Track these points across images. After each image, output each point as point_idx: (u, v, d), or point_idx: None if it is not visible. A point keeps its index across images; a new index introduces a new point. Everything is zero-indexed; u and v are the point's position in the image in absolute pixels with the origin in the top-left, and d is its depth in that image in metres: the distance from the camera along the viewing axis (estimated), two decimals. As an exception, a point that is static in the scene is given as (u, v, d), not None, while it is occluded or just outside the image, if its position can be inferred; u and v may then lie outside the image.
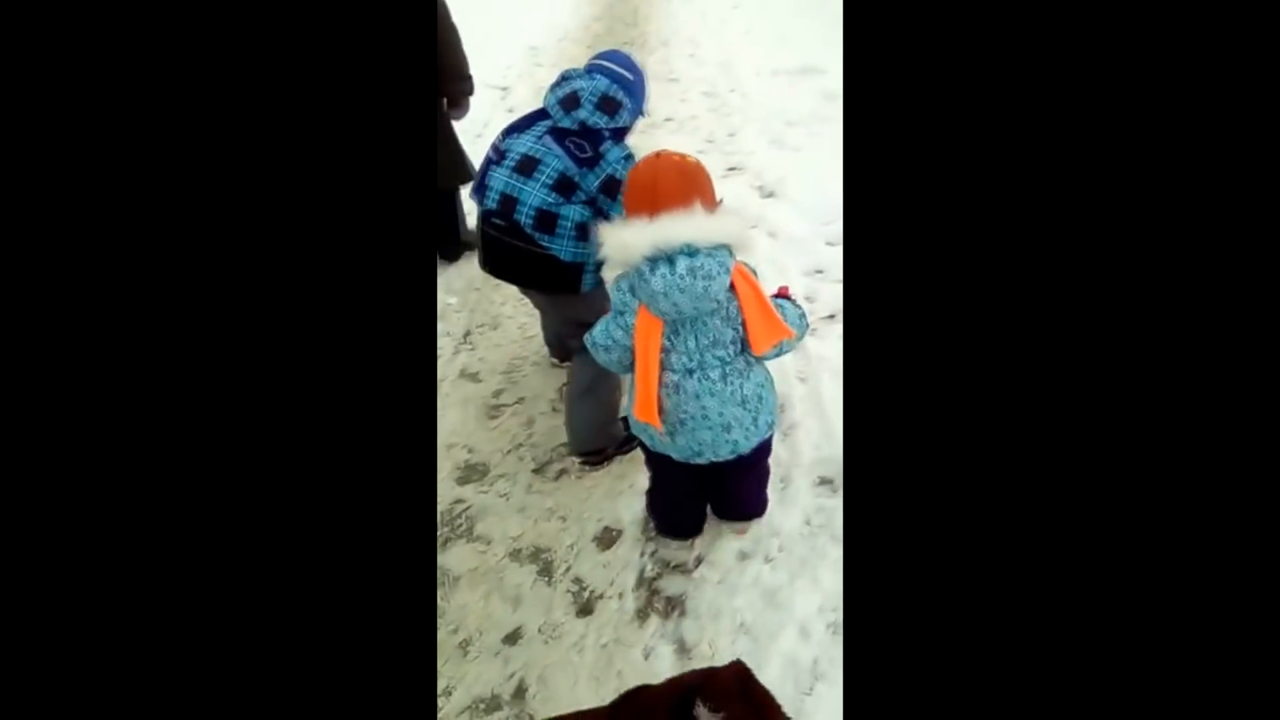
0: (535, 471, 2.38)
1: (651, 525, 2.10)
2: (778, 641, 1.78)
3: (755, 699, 0.60)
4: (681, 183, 1.53)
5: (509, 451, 2.46)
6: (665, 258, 1.47)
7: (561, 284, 2.01)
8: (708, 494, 1.96)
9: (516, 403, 2.68)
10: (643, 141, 4.71)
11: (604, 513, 2.20)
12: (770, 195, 3.96)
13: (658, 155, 1.61)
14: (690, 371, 1.57)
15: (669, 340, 1.57)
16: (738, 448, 1.66)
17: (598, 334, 1.69)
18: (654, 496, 2.02)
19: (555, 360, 2.79)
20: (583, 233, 1.95)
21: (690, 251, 1.46)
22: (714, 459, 1.66)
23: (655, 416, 1.58)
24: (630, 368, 1.66)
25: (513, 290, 3.25)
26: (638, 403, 1.59)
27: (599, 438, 2.32)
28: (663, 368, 1.58)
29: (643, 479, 2.15)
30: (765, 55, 6.01)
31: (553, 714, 0.71)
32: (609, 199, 1.93)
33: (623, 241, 1.50)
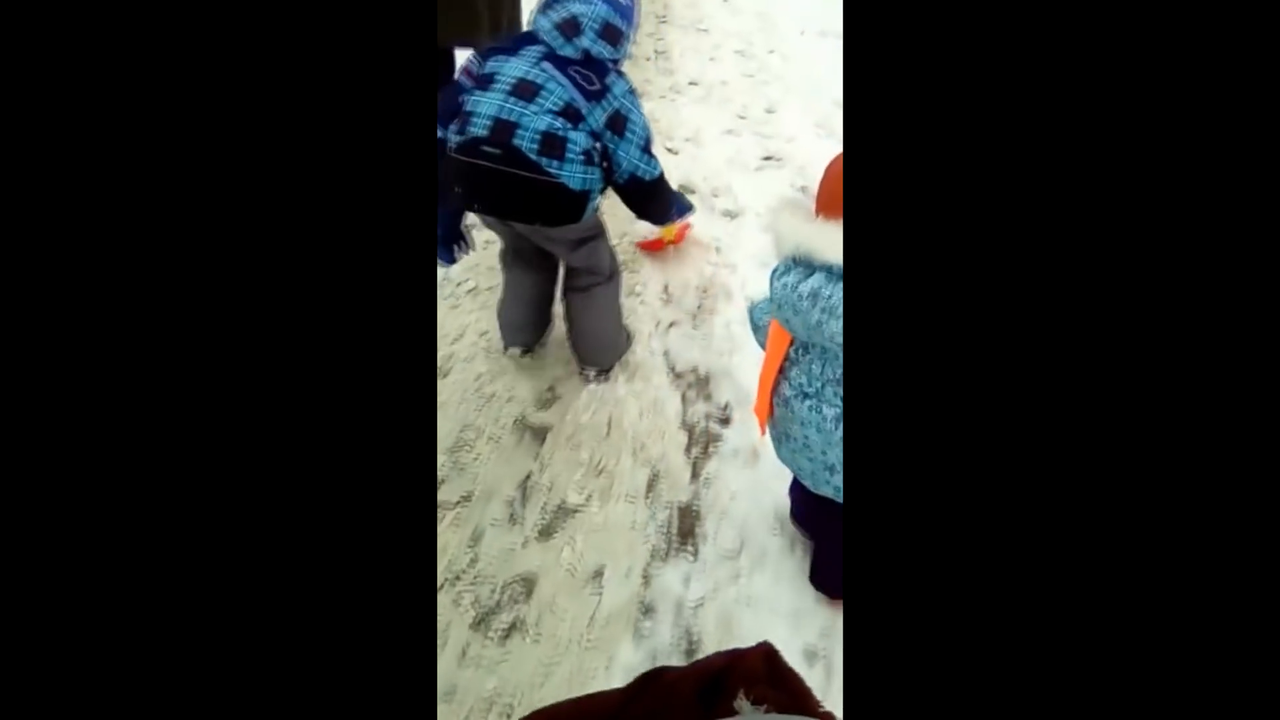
0: (476, 625, 1.66)
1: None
2: None
3: (787, 683, 0.56)
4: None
5: (441, 586, 1.74)
6: (797, 266, 1.33)
7: (567, 215, 1.88)
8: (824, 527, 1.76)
9: (460, 502, 1.93)
10: (662, 109, 3.85)
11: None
12: (816, 201, 3.15)
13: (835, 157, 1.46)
14: (805, 396, 1.45)
15: (795, 353, 1.47)
16: (837, 493, 1.51)
17: (759, 308, 1.63)
18: (795, 479, 1.80)
19: (518, 350, 2.38)
20: (590, 159, 1.82)
21: (826, 269, 1.29)
22: (814, 489, 1.55)
23: (763, 416, 1.56)
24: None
25: (471, 323, 2.48)
26: (757, 397, 1.58)
27: (612, 352, 2.29)
28: (783, 376, 1.49)
29: (626, 652, 1.62)
30: (813, 8, 5.09)
31: None
32: (616, 136, 1.85)
33: (780, 230, 1.36)
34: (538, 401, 2.26)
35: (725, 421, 2.19)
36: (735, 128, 3.72)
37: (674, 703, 0.54)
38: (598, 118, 1.81)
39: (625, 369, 2.35)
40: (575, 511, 1.95)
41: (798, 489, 1.82)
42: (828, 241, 1.27)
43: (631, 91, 1.87)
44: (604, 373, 2.30)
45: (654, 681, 0.58)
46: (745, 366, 2.32)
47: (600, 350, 2.27)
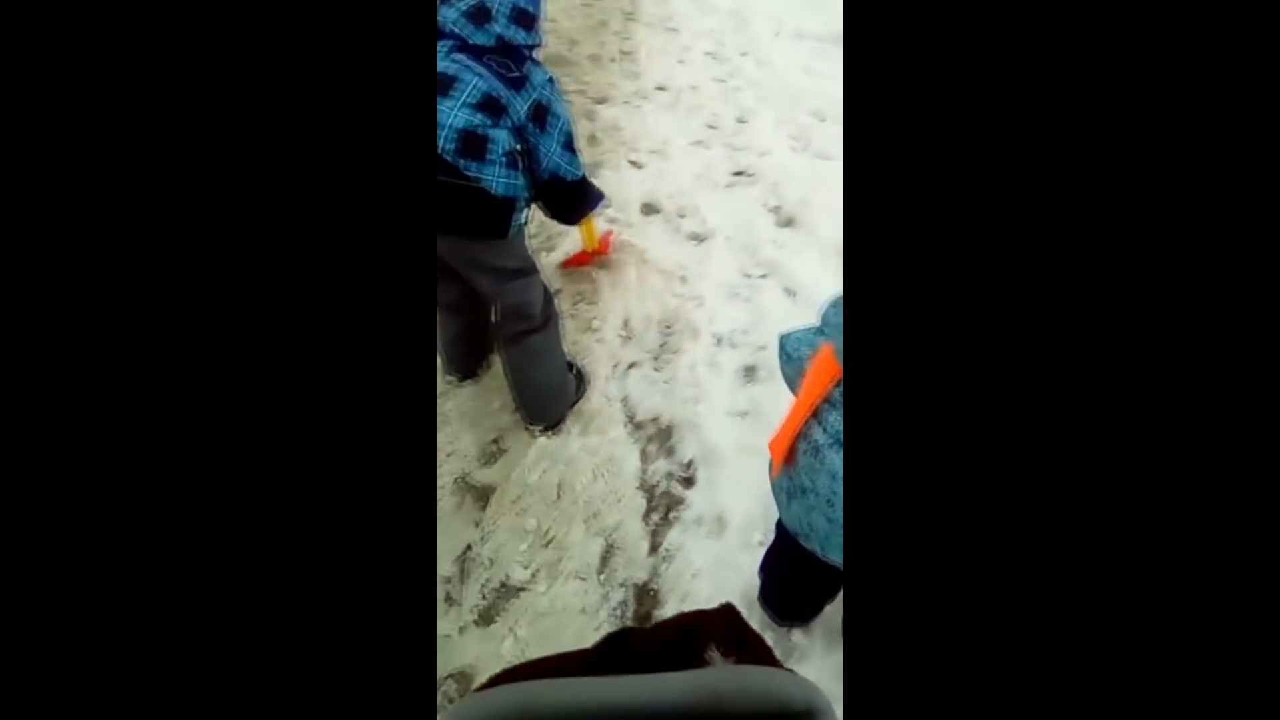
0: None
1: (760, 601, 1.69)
2: None
3: (750, 642, 0.57)
4: None
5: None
6: None
7: (490, 225, 1.69)
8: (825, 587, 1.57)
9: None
10: (627, 117, 3.62)
11: None
12: (788, 223, 2.94)
13: None
14: (838, 445, 1.23)
15: (841, 394, 1.22)
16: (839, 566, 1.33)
17: (794, 339, 1.37)
18: (771, 554, 1.62)
19: (455, 377, 2.23)
20: (513, 162, 1.67)
21: None
22: (820, 554, 1.31)
23: (779, 456, 1.31)
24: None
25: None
26: (777, 433, 1.32)
27: (559, 403, 2.09)
28: (817, 419, 1.25)
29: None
30: (789, 7, 4.87)
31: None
32: (538, 129, 1.70)
33: None
34: (481, 456, 2.03)
35: (688, 482, 1.98)
36: (705, 138, 3.50)
37: (642, 658, 0.53)
38: (519, 108, 1.64)
39: (579, 419, 2.13)
40: (520, 591, 1.73)
41: (773, 566, 1.62)
42: None
43: (551, 81, 1.71)
44: (552, 427, 2.08)
45: (620, 641, 0.58)
46: (712, 417, 2.11)
47: (543, 405, 2.05)
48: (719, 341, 2.37)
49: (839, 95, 3.66)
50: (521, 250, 1.85)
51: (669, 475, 2.00)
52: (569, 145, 1.76)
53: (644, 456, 2.05)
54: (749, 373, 2.28)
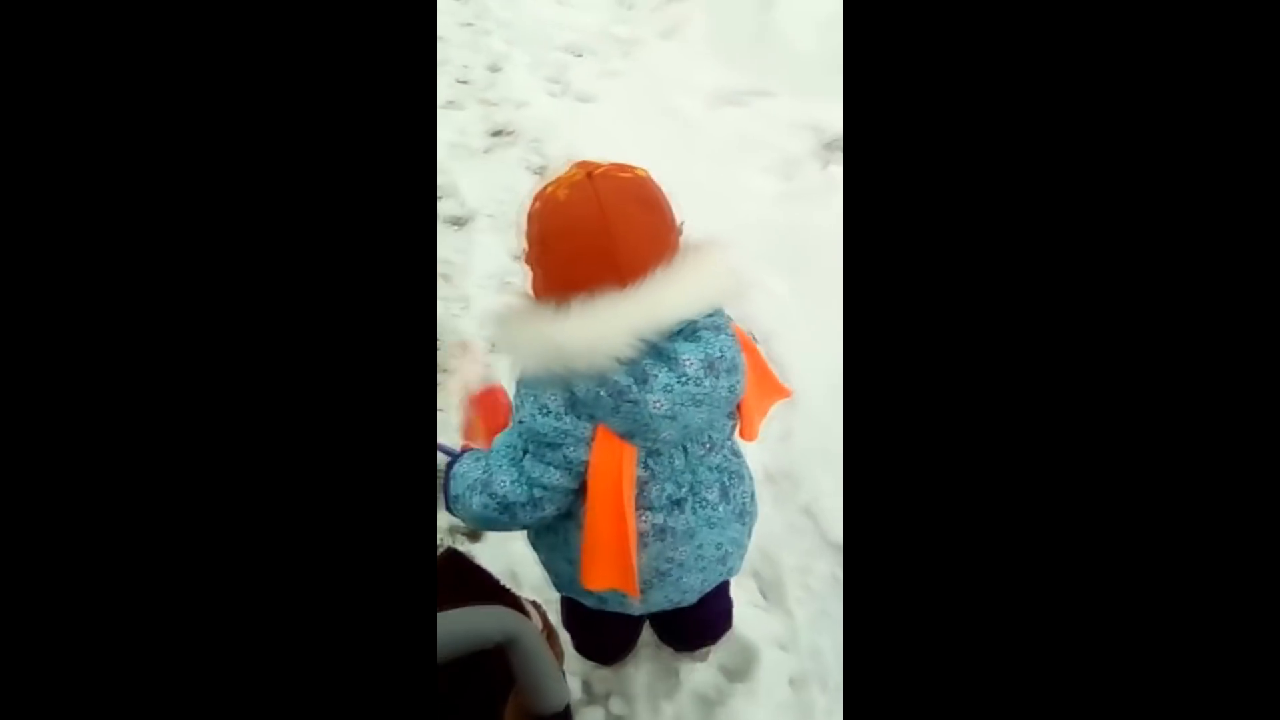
0: None
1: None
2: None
3: (469, 580, 0.60)
4: (649, 218, 0.96)
5: None
6: (658, 354, 0.94)
7: None
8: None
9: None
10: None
11: None
12: (558, 186, 2.65)
13: (588, 174, 0.94)
14: (679, 503, 1.06)
15: (648, 467, 1.02)
16: (731, 573, 1.21)
17: (509, 487, 1.01)
18: (566, 614, 1.38)
19: None
20: None
21: (691, 333, 0.97)
22: (696, 599, 1.18)
23: (632, 580, 1.04)
24: (567, 515, 1.07)
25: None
26: (601, 568, 1.04)
27: None
28: (636, 508, 1.03)
29: None
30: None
31: None
32: None
33: (573, 339, 0.90)
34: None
35: (473, 536, 1.72)
36: (456, 97, 3.11)
37: None
38: None
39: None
40: None
41: (584, 616, 1.35)
42: (677, 295, 0.92)
43: None
44: None
45: None
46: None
47: None
48: (493, 347, 2.09)
49: (595, 27, 3.34)
50: None
51: (451, 530, 1.73)
52: None
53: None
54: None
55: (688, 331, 0.96)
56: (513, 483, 1.01)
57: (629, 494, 0.99)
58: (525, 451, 1.01)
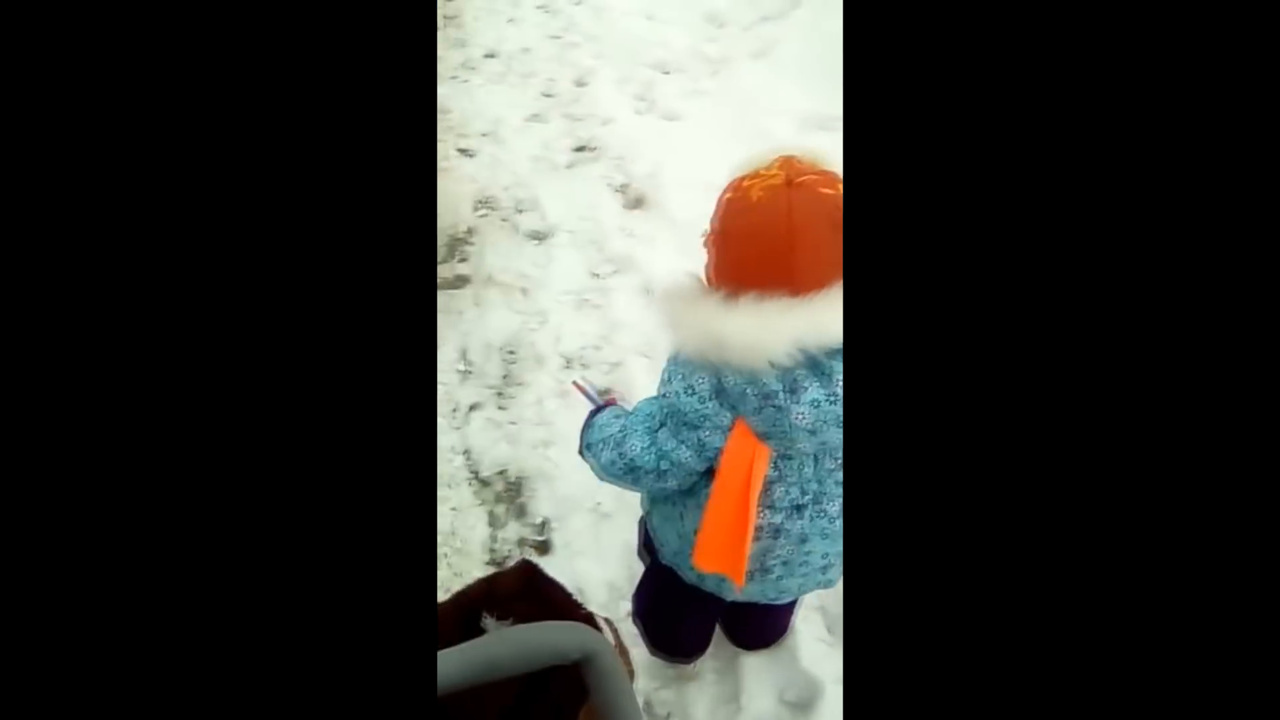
0: None
1: (640, 636, 1.46)
2: None
3: (547, 595, 0.58)
4: (835, 238, 0.92)
5: None
6: (815, 367, 0.94)
7: None
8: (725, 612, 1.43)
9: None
10: (455, 96, 3.24)
11: None
12: (637, 204, 2.66)
13: (787, 181, 0.94)
14: (800, 508, 1.06)
15: (777, 468, 1.03)
16: (829, 584, 1.21)
17: (639, 452, 1.07)
18: (647, 601, 1.43)
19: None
20: None
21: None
22: (791, 598, 1.26)
23: (740, 569, 1.03)
24: (688, 493, 1.10)
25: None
26: (712, 549, 1.04)
27: None
28: (759, 509, 1.04)
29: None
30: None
31: None
32: None
33: (735, 333, 0.91)
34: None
35: (543, 547, 1.74)
36: (541, 110, 3.16)
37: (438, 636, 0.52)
38: None
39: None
40: None
41: (659, 611, 1.43)
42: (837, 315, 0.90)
43: None
44: None
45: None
46: (566, 464, 1.86)
47: None
48: (568, 364, 2.11)
49: (684, 44, 3.36)
50: None
51: (521, 542, 1.75)
52: None
53: (492, 520, 1.80)
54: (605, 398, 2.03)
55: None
56: (644, 449, 1.06)
57: (756, 491, 1.00)
58: (662, 424, 1.05)
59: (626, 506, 1.71)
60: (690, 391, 1.00)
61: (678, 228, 2.48)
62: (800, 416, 0.95)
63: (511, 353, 2.16)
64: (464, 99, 3.26)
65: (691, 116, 2.99)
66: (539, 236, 2.54)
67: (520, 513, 1.81)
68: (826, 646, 1.52)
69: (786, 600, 1.22)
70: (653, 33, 3.54)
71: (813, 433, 0.97)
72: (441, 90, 3.31)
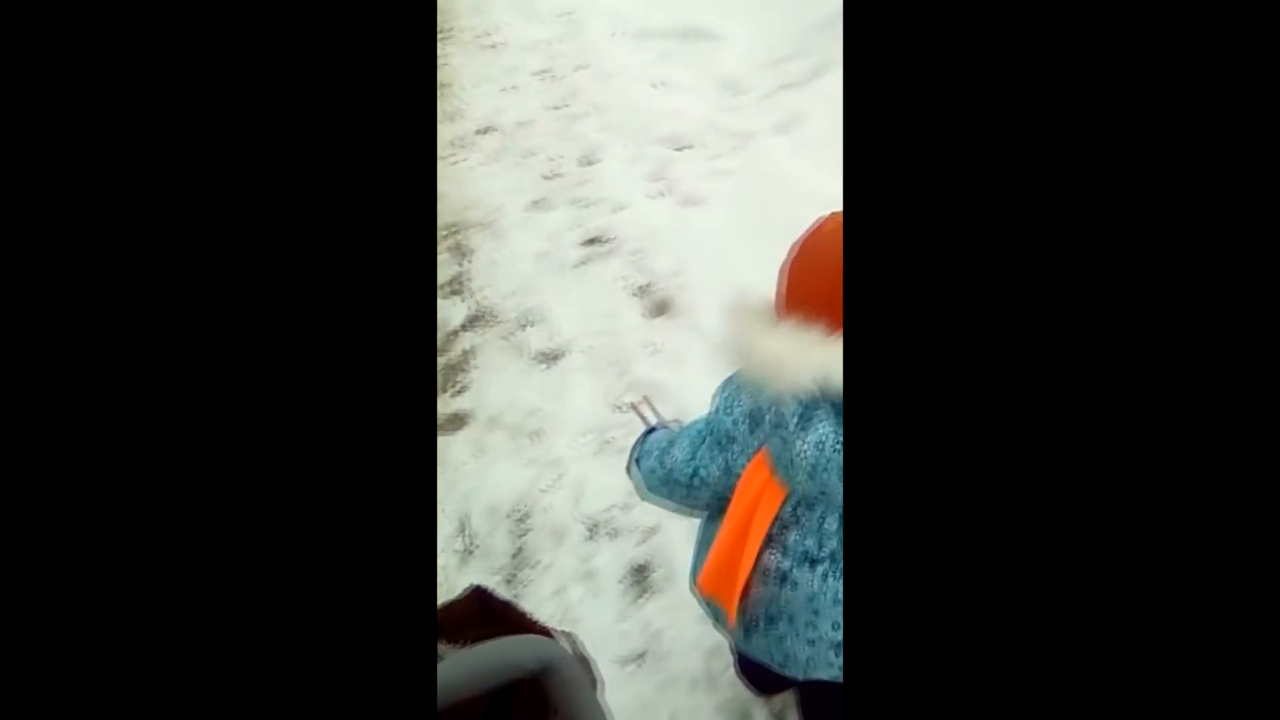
0: None
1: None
2: None
3: (502, 616, 0.58)
4: None
5: None
6: (834, 409, 0.96)
7: None
8: None
9: None
10: (448, 179, 2.90)
11: None
12: (661, 311, 2.30)
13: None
14: (814, 562, 1.03)
15: (793, 513, 1.03)
16: (837, 677, 1.10)
17: (678, 462, 1.10)
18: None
19: None
20: None
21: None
22: (802, 675, 1.11)
23: (733, 601, 1.07)
24: (712, 517, 1.13)
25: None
26: (713, 571, 1.08)
27: None
28: (769, 544, 1.04)
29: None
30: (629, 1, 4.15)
31: None
32: None
33: (769, 351, 0.96)
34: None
35: None
36: (545, 195, 2.82)
37: None
38: None
39: None
40: None
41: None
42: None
43: None
44: None
45: None
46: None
47: None
48: (591, 532, 1.74)
49: (699, 115, 3.02)
50: None
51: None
52: None
53: None
54: (639, 579, 1.66)
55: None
56: (684, 460, 1.10)
57: (762, 524, 1.03)
58: (704, 439, 1.09)
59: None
60: (728, 410, 1.04)
61: (704, 337, 2.12)
62: (802, 453, 0.96)
63: (522, 520, 1.79)
64: (457, 183, 2.92)
65: (714, 201, 2.64)
66: (549, 358, 2.18)
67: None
68: None
69: (793, 674, 1.13)
70: (662, 102, 3.21)
71: (810, 475, 0.97)
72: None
